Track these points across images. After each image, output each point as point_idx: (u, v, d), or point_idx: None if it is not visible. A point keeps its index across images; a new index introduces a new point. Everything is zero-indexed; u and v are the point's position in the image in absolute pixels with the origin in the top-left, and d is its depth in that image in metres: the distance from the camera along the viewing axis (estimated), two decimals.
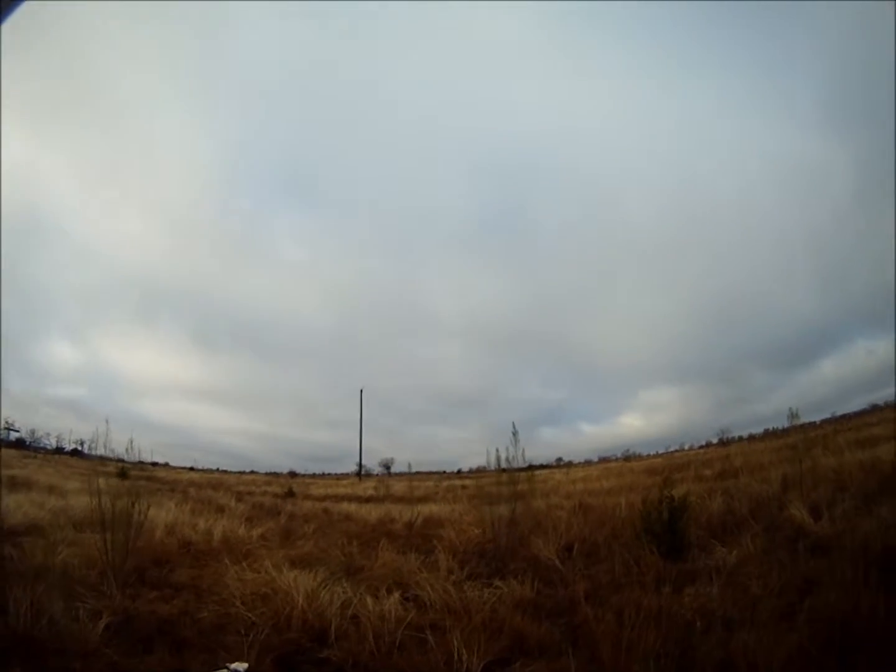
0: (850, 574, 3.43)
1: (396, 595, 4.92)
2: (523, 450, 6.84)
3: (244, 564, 5.90)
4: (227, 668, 3.12)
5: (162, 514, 8.94)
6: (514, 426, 6.91)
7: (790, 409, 8.96)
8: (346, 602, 4.84)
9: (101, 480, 6.13)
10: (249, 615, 4.54)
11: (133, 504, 5.59)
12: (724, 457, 16.89)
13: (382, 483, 20.32)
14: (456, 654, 3.43)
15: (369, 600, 4.78)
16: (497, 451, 7.01)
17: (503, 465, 6.90)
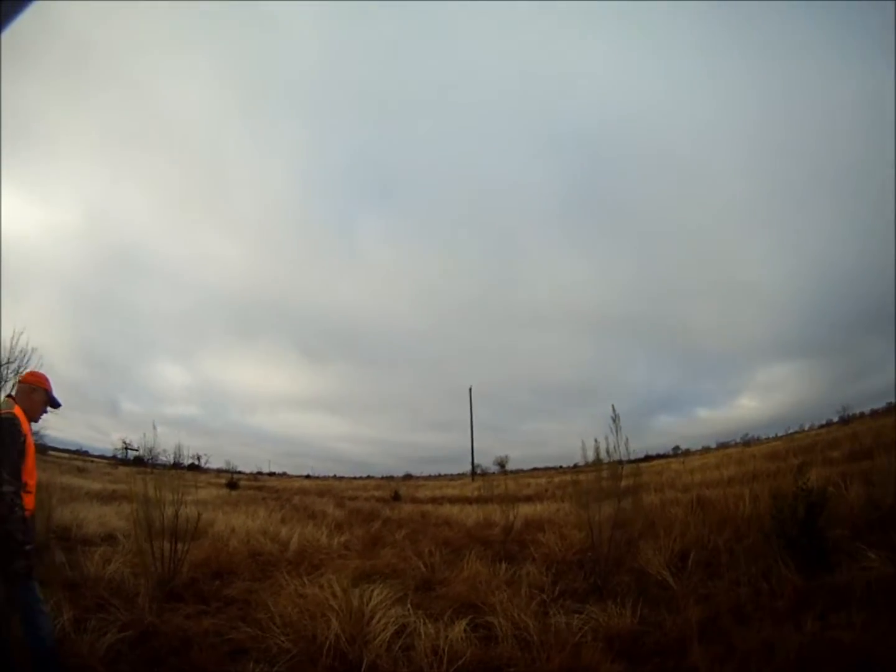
0: None
1: (464, 622, 3.77)
2: (626, 438, 5.31)
3: (306, 579, 5.14)
4: None
5: (248, 522, 8.73)
6: (613, 410, 5.41)
7: None
8: (402, 628, 3.83)
9: (213, 491, 5.84)
10: (282, 640, 3.71)
11: (176, 512, 5.08)
12: (850, 436, 14.06)
13: (488, 482, 19.18)
14: None
15: (429, 627, 3.71)
16: (595, 441, 5.55)
17: (603, 456, 5.40)
